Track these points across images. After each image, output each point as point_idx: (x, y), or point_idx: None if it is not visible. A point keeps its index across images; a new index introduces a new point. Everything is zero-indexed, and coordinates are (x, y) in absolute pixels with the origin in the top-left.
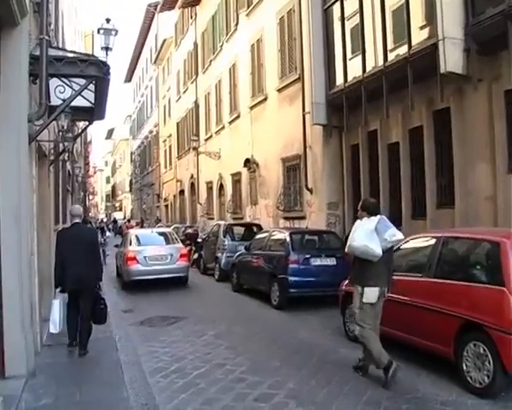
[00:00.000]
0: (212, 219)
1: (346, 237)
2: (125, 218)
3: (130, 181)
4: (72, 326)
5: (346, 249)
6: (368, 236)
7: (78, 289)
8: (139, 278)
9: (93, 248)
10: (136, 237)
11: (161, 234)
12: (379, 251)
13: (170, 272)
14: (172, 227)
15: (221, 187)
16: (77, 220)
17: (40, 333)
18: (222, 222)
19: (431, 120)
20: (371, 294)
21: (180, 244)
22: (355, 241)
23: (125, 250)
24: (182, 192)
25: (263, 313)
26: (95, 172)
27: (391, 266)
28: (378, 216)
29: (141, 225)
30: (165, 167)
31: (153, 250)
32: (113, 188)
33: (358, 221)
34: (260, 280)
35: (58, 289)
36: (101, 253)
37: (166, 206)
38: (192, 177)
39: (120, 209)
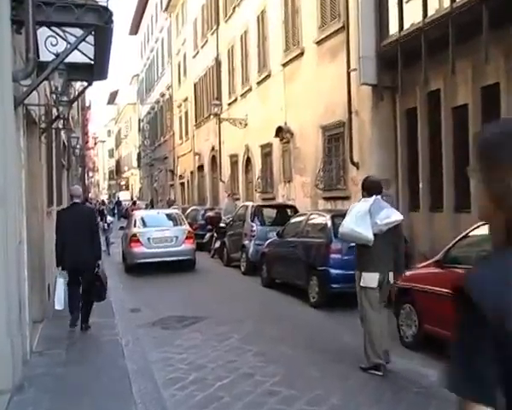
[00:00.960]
0: (238, 199)
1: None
2: (132, 199)
3: (139, 154)
4: (74, 304)
5: (338, 235)
6: (357, 219)
7: (77, 268)
8: (143, 260)
9: (91, 227)
10: (141, 218)
11: (168, 215)
12: (369, 235)
13: (175, 254)
14: (190, 210)
15: (248, 161)
16: (76, 200)
17: (30, 337)
18: (249, 203)
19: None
20: (369, 279)
21: (186, 226)
22: (343, 226)
23: (129, 232)
24: (201, 168)
25: (298, 312)
26: (95, 144)
27: (400, 248)
28: (373, 197)
29: (150, 207)
30: (181, 138)
31: (157, 232)
32: (118, 163)
33: (355, 203)
34: (295, 273)
35: (59, 268)
36: (105, 241)
37: (182, 184)
38: (213, 149)
39: (127, 188)
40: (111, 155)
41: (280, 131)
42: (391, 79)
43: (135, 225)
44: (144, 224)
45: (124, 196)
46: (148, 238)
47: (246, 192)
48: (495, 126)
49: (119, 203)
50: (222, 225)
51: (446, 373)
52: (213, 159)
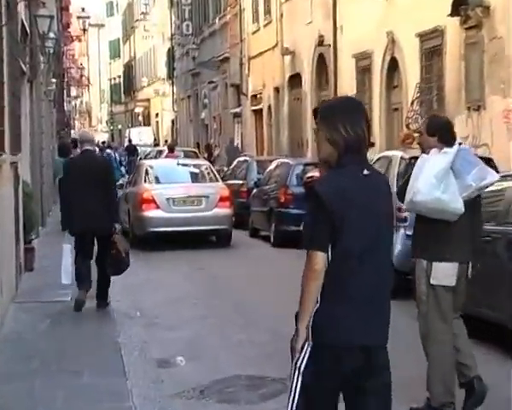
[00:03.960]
0: (371, 145)
1: (406, 183)
2: (156, 143)
3: (170, 53)
4: (82, 278)
5: (404, 205)
6: (439, 181)
7: (89, 230)
8: (159, 229)
9: (107, 182)
10: (155, 170)
11: (193, 167)
12: (459, 206)
13: (204, 222)
14: (274, 165)
15: (392, 65)
16: (87, 147)
17: None
18: (396, 154)
19: None
20: (445, 272)
21: (220, 183)
22: (420, 192)
23: (138, 189)
24: (295, 80)
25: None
26: (84, 31)
27: (478, 229)
28: (456, 146)
29: (208, 156)
30: (256, 21)
31: (180, 190)
32: (129, 70)
33: (423, 157)
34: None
35: (67, 233)
36: None
37: (258, 114)
38: (321, 42)
39: (146, 122)
40: (115, 53)
41: (461, 4)
42: None
43: (146, 180)
44: (159, 178)
45: (141, 136)
46: (168, 199)
47: (386, 130)
48: (329, 100)
49: (130, 150)
50: None
51: (304, 236)
52: (321, 61)
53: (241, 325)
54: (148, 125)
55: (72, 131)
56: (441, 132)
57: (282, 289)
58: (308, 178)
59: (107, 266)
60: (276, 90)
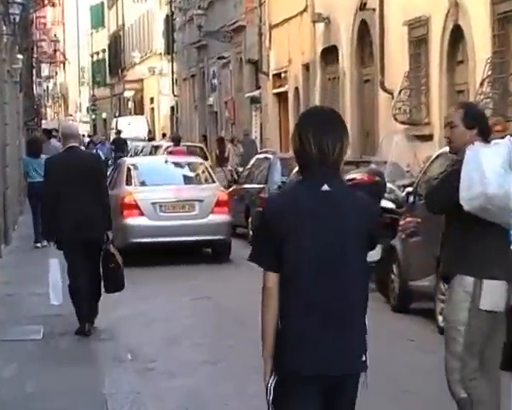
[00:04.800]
0: (429, 138)
1: (444, 183)
2: (151, 136)
3: (170, 21)
4: (79, 299)
5: (465, 203)
6: (507, 174)
7: (81, 240)
8: (143, 240)
9: (98, 182)
10: (137, 169)
11: (183, 165)
12: None
13: (197, 232)
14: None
15: (455, 33)
16: (72, 143)
17: None
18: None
19: None
20: (497, 293)
21: (216, 184)
22: (491, 183)
23: (118, 192)
24: (329, 55)
25: None
26: None
27: None
28: (506, 139)
29: (219, 154)
30: None
31: (168, 193)
32: (115, 43)
33: (471, 149)
34: None
35: (52, 244)
36: None
37: (281, 98)
38: (363, 5)
39: (138, 109)
40: (98, 21)
41: None
42: None
43: (128, 182)
44: (143, 179)
45: (132, 127)
46: (153, 203)
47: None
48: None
49: (119, 144)
50: (387, 204)
51: (251, 254)
52: (363, 30)
53: (258, 371)
54: (141, 113)
55: (44, 122)
56: (482, 124)
57: None
58: (348, 180)
59: (105, 283)
60: (306, 67)
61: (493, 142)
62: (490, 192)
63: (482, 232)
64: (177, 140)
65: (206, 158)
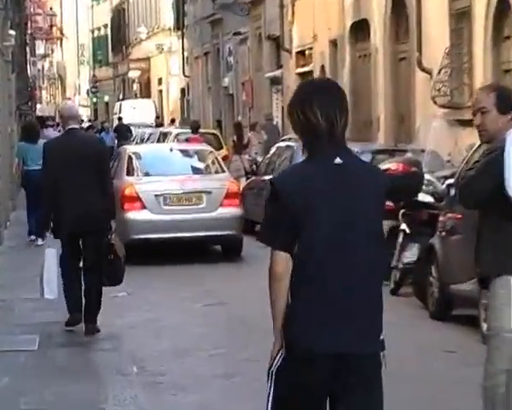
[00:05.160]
0: (472, 124)
1: (482, 174)
2: (159, 122)
3: None
4: (73, 292)
5: None
6: None
7: (80, 231)
8: (147, 236)
9: (100, 168)
10: (139, 158)
11: (189, 154)
12: None
13: (205, 227)
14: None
15: (502, 5)
16: (72, 125)
17: None
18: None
19: None
20: None
21: (226, 174)
22: None
23: (119, 183)
24: (360, 29)
25: None
26: None
27: None
28: None
29: (237, 140)
30: None
31: (173, 184)
32: (120, 15)
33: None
34: None
35: (48, 234)
36: None
37: (304, 77)
38: None
39: (144, 92)
40: None
41: None
42: None
43: (129, 172)
44: (146, 169)
45: (137, 112)
46: (157, 195)
47: None
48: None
49: (122, 131)
50: (425, 198)
51: (262, 234)
52: (398, 2)
53: None
54: (148, 96)
55: (38, 106)
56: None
57: None
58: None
59: (104, 276)
60: (333, 43)
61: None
62: None
63: None
64: (195, 127)
65: (221, 146)
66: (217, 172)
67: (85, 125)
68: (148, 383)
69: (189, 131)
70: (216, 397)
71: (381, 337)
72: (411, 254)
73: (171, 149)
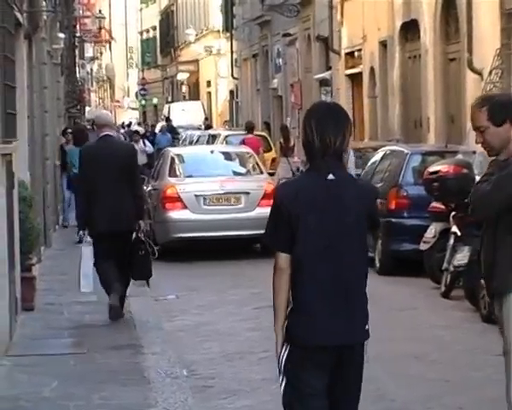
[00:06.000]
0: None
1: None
2: (208, 124)
3: None
4: (112, 279)
5: None
6: None
7: (114, 231)
8: (187, 235)
9: (132, 172)
10: (182, 158)
11: (229, 156)
12: None
13: (243, 226)
14: (380, 155)
15: None
16: (107, 132)
17: None
18: None
19: None
20: None
21: (264, 175)
22: None
23: (161, 184)
24: (410, 29)
25: None
26: None
27: None
28: None
29: (284, 142)
30: None
31: (212, 185)
32: (169, 17)
33: None
34: None
35: (86, 233)
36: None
37: (354, 79)
38: None
39: (193, 94)
40: None
41: None
42: None
43: (171, 173)
44: (187, 171)
45: (186, 114)
46: (197, 196)
47: None
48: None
49: (168, 134)
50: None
51: (265, 236)
52: (448, 2)
53: None
54: (197, 98)
55: (87, 109)
56: None
57: (394, 337)
58: (431, 173)
59: (133, 270)
60: (383, 44)
61: None
62: None
63: None
64: (250, 127)
65: (270, 148)
66: (255, 173)
67: (134, 127)
68: (198, 387)
69: (238, 133)
70: (266, 401)
71: (367, 327)
72: (462, 257)
73: (211, 152)
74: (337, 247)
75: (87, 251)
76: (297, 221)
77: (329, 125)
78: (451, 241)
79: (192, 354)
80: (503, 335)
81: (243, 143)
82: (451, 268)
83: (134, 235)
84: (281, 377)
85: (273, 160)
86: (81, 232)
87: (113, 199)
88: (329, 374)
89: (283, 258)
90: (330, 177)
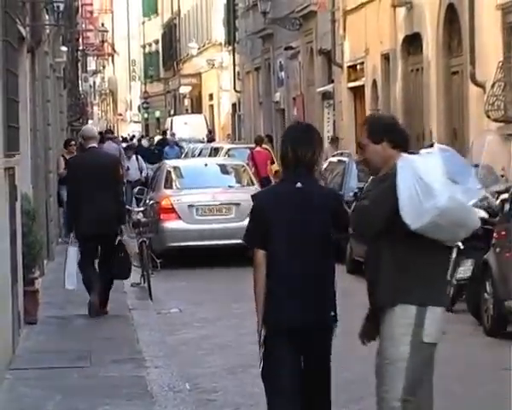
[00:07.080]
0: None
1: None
2: (211, 137)
3: (231, 6)
4: (92, 280)
5: (412, 223)
6: (452, 182)
7: (97, 234)
8: (181, 244)
9: (113, 180)
10: (178, 171)
11: (222, 169)
12: (477, 216)
13: (233, 235)
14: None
15: None
16: (92, 144)
17: None
18: None
19: None
20: (436, 323)
21: (255, 187)
22: (441, 196)
23: (157, 195)
24: (413, 42)
25: None
26: None
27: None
28: (435, 148)
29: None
30: None
31: (204, 196)
32: (171, 30)
33: (403, 161)
34: None
35: (72, 235)
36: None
37: (356, 92)
38: None
39: (195, 107)
40: (151, 7)
41: None
42: None
43: (167, 185)
44: (182, 182)
45: (189, 127)
46: (190, 206)
47: None
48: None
49: (163, 145)
50: (479, 213)
51: (245, 236)
52: (451, 15)
53: (335, 404)
54: (199, 111)
55: (90, 122)
56: (391, 135)
57: None
58: None
59: (114, 270)
60: (385, 57)
61: (423, 151)
62: (441, 205)
63: (425, 253)
64: (259, 141)
65: (272, 161)
66: (247, 185)
67: (136, 140)
68: (202, 401)
69: (240, 146)
70: None
71: (332, 313)
72: (465, 270)
73: (205, 164)
74: (305, 244)
75: (73, 252)
76: (270, 222)
77: (302, 142)
78: (454, 254)
79: (195, 367)
80: (381, 348)
81: (252, 155)
82: (454, 282)
83: (118, 238)
84: (260, 353)
85: (276, 172)
86: (70, 235)
87: (98, 205)
88: (299, 353)
89: (260, 254)
90: (298, 185)
